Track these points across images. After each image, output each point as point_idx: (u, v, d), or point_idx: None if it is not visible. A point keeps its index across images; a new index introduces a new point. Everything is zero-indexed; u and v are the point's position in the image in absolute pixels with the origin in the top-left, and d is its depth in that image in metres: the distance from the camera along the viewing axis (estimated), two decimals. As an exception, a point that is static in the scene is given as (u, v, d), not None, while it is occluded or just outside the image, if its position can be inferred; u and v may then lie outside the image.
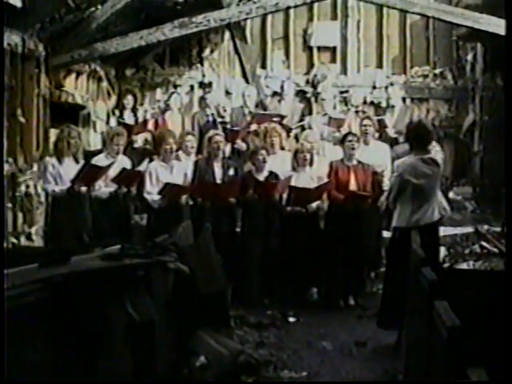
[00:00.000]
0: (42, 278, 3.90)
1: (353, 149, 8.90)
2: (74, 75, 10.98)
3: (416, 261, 5.03)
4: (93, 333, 3.95)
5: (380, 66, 14.17)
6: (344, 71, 14.13)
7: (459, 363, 2.69)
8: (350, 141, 8.95)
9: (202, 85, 13.67)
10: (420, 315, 4.28)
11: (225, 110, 11.99)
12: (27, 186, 8.84)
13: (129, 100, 11.92)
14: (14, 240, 8.48)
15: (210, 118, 11.93)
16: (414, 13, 10.75)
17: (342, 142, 9.22)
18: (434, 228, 7.28)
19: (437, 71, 14.11)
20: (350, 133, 9.55)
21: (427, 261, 4.63)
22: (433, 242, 7.02)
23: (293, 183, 8.73)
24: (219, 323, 5.72)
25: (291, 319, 8.14)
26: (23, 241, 8.70)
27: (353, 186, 8.84)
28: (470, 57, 13.71)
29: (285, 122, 11.44)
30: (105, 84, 12.40)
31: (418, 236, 5.97)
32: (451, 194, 12.74)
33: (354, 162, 8.94)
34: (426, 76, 14.12)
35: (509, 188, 4.95)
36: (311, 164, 8.99)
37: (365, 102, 13.82)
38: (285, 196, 8.79)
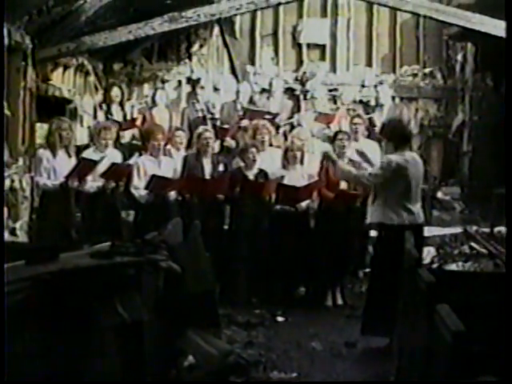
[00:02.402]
0: (29, 275, 3.78)
1: (343, 147, 8.81)
2: (61, 69, 10.90)
3: (410, 261, 4.93)
4: (81, 332, 3.85)
5: (369, 64, 14.15)
6: (333, 69, 14.09)
7: (465, 369, 2.61)
8: (341, 139, 8.86)
9: (190, 80, 13.59)
10: (416, 318, 4.19)
11: (214, 107, 11.91)
12: (12, 181, 8.71)
13: (116, 93, 11.81)
14: (-3, 235, 8.34)
15: (200, 114, 11.85)
16: (406, 11, 10.71)
17: (332, 140, 9.15)
18: (419, 229, 7.19)
19: (426, 70, 14.12)
20: (340, 131, 9.48)
21: (420, 261, 4.54)
22: (418, 242, 6.91)
23: (283, 181, 8.63)
24: (208, 323, 5.61)
25: (280, 319, 8.03)
26: (7, 236, 8.55)
27: (343, 184, 8.75)
28: (459, 56, 13.69)
29: (277, 120, 11.38)
30: (92, 78, 12.32)
31: (412, 236, 5.88)
32: (439, 194, 12.72)
33: (345, 161, 8.85)
34: (415, 75, 14.12)
35: (509, 189, 4.88)
36: (302, 162, 8.89)
37: (354, 101, 13.75)
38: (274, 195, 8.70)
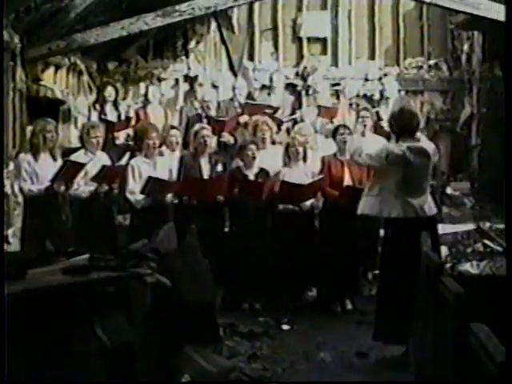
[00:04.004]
0: (-10, 298, 3.31)
1: (345, 142, 8.39)
2: (52, 69, 10.54)
3: (431, 267, 4.43)
4: (55, 362, 3.39)
5: (372, 57, 13.73)
6: (335, 63, 13.67)
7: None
8: (342, 133, 8.46)
9: (187, 78, 13.21)
10: (441, 333, 3.72)
11: (209, 108, 11.48)
12: (3, 186, 8.32)
13: (110, 93, 11.39)
14: (-11, 244, 7.95)
15: (199, 111, 11.46)
16: (411, -1, 10.33)
17: (333, 135, 8.72)
18: (432, 225, 6.72)
19: (431, 62, 13.71)
20: (341, 125, 9.04)
21: (443, 267, 4.05)
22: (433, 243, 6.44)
23: (285, 179, 8.20)
24: (207, 337, 5.17)
25: (285, 327, 7.58)
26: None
27: (347, 181, 8.34)
28: (466, 47, 13.29)
29: (277, 114, 10.98)
30: (86, 78, 11.95)
31: (429, 238, 5.41)
32: (449, 190, 12.35)
33: (348, 156, 8.44)
34: (420, 67, 13.73)
35: (508, 185, 4.48)
36: (305, 159, 8.47)
37: (358, 95, 13.36)
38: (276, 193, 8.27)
